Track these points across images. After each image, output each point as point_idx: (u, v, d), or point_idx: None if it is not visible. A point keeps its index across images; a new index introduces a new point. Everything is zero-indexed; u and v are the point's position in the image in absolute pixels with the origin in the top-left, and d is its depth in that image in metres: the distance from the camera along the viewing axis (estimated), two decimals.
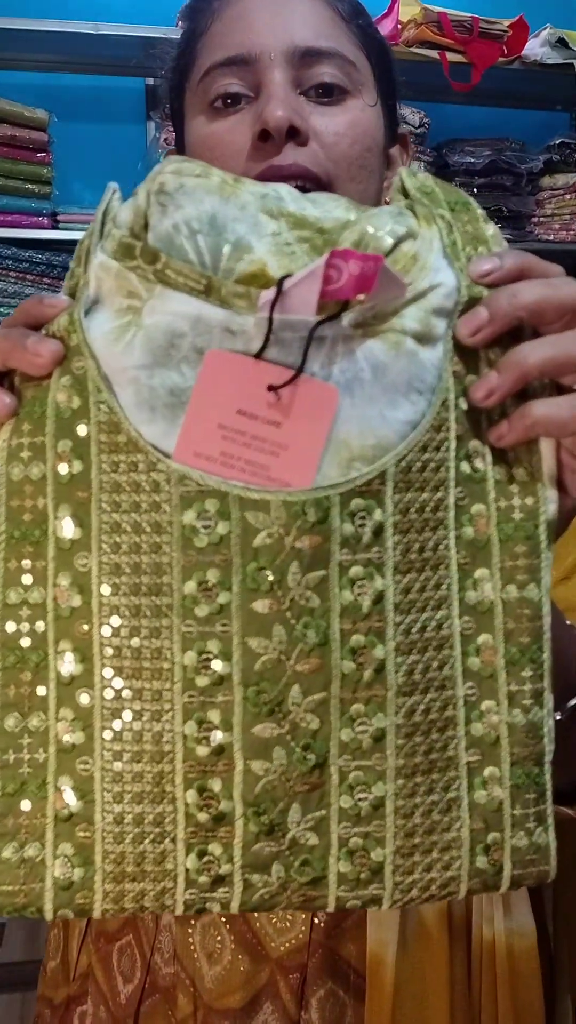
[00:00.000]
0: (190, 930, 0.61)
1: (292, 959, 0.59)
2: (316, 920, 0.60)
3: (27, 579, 0.39)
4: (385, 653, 0.38)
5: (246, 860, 0.39)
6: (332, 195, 0.43)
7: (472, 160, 2.50)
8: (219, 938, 0.60)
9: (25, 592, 0.39)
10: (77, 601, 0.39)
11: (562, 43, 2.46)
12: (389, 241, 0.39)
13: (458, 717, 0.40)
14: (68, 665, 0.38)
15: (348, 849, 0.39)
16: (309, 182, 0.58)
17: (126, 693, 0.38)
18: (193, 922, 0.61)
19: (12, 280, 2.36)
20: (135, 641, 0.38)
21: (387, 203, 0.54)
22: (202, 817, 0.38)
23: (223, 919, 0.61)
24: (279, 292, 0.37)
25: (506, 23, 2.43)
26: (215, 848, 0.39)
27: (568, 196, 2.62)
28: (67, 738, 0.39)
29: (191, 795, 0.38)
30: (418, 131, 2.49)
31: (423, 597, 0.39)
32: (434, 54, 2.37)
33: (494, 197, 2.54)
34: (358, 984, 0.59)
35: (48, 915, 0.39)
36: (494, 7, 2.51)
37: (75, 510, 0.39)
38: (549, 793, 0.41)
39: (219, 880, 0.39)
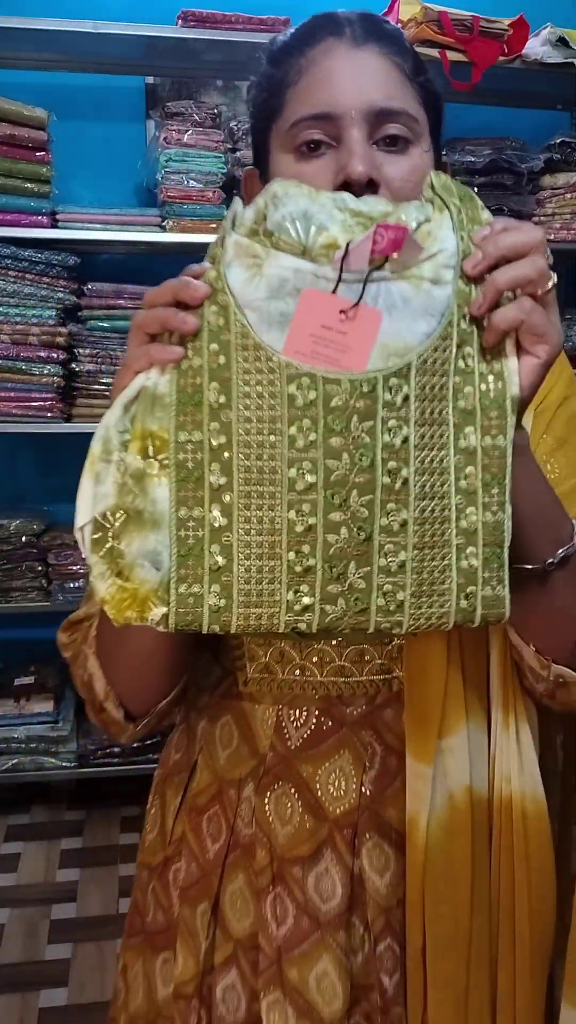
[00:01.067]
0: (266, 800, 0.79)
1: (346, 819, 0.78)
2: (364, 790, 0.78)
3: (191, 426, 0.63)
4: (408, 473, 0.63)
5: (322, 596, 0.63)
6: (378, 197, 0.66)
7: (473, 159, 2.50)
8: (289, 805, 0.79)
9: (189, 434, 0.63)
10: (223, 439, 0.63)
11: (563, 42, 2.46)
12: (413, 224, 0.62)
13: (451, 516, 0.64)
14: (216, 477, 0.63)
15: (383, 592, 0.63)
16: None
17: (253, 493, 0.63)
18: (268, 794, 0.79)
19: (11, 279, 2.36)
20: (258, 463, 0.63)
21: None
22: (297, 568, 0.63)
23: (293, 791, 0.79)
24: (346, 252, 0.61)
25: (507, 22, 2.43)
26: (304, 588, 0.63)
27: (569, 195, 2.62)
28: (216, 523, 0.63)
29: (291, 555, 0.63)
30: None
31: (432, 442, 0.63)
32: (434, 53, 2.37)
33: (495, 196, 2.54)
34: (399, 840, 0.77)
35: (204, 629, 0.63)
36: (495, 6, 2.50)
37: (221, 385, 0.63)
38: (506, 565, 0.64)
39: (305, 608, 0.63)
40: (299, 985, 0.76)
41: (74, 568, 2.53)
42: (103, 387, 2.43)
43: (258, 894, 0.77)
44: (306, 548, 0.63)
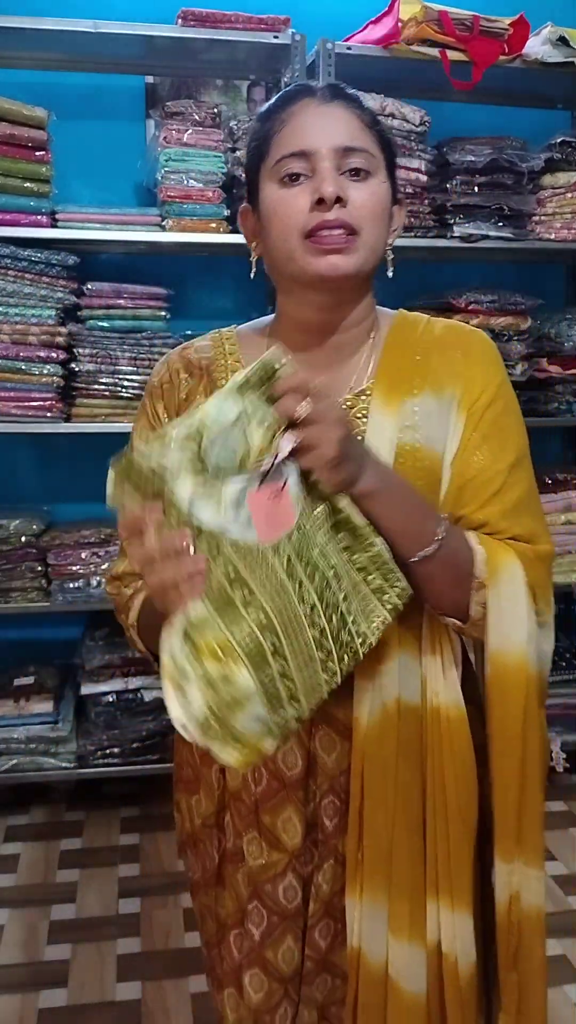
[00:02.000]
0: None
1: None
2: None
3: (237, 621, 0.86)
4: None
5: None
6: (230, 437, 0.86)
7: (473, 158, 2.49)
8: None
9: (240, 627, 0.86)
10: (263, 617, 0.86)
11: (563, 41, 2.46)
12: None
13: (351, 570, 0.93)
14: (269, 643, 0.87)
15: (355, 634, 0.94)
16: (347, 230, 0.96)
17: (294, 642, 0.89)
18: None
19: (11, 279, 2.36)
20: (285, 618, 0.88)
21: (390, 245, 1.03)
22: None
23: None
24: (271, 466, 0.86)
25: (507, 21, 2.42)
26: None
27: (569, 195, 2.61)
28: (282, 672, 0.88)
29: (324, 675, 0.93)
30: (419, 129, 2.48)
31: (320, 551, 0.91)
32: (435, 52, 2.37)
33: (495, 196, 2.53)
34: (344, 730, 1.04)
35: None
36: (495, 5, 2.50)
37: (241, 583, 0.86)
38: (395, 569, 0.93)
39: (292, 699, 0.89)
40: (270, 826, 1.07)
41: (74, 568, 2.53)
42: (103, 387, 2.43)
43: None
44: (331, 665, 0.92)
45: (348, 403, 1.03)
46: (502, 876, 1.01)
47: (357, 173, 0.97)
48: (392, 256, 1.04)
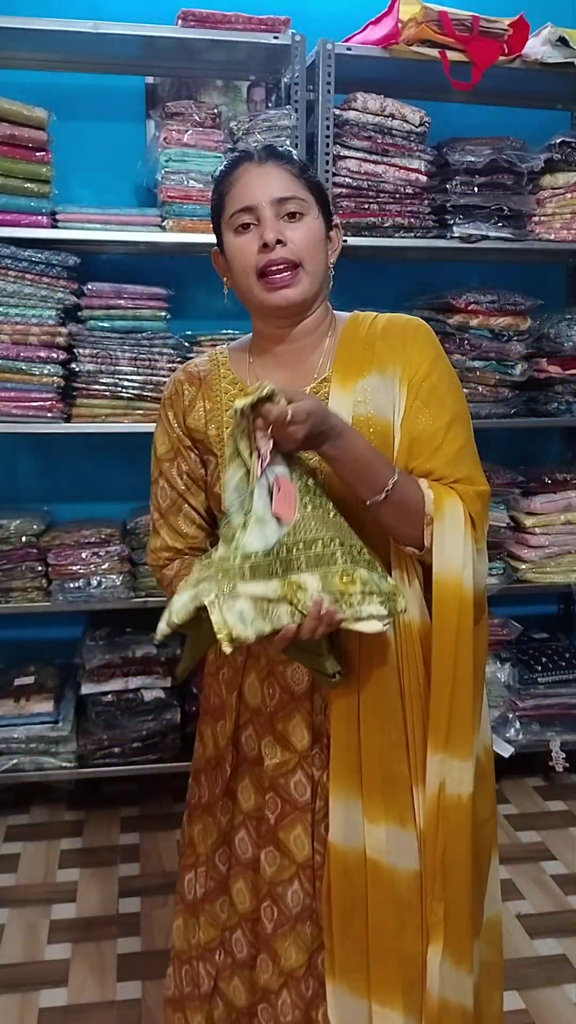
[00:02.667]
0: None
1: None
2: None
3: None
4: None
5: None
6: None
7: (473, 159, 2.49)
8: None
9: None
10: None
11: (563, 42, 2.46)
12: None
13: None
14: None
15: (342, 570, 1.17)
16: (289, 264, 1.23)
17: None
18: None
19: (11, 279, 2.36)
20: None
21: (332, 264, 1.31)
22: None
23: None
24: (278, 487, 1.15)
25: (507, 22, 2.42)
26: None
27: (569, 195, 2.61)
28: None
29: None
30: (418, 130, 2.49)
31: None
32: (434, 53, 2.37)
33: (495, 196, 2.53)
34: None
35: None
36: (495, 6, 2.50)
37: None
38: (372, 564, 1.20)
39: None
40: (283, 732, 1.33)
41: (74, 568, 2.53)
42: (103, 387, 2.43)
43: (260, 681, 1.35)
44: None
45: (313, 389, 1.30)
46: (432, 766, 1.24)
47: (293, 216, 1.25)
48: (333, 273, 1.33)
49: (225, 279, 1.33)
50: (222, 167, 1.33)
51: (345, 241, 2.14)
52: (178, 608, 1.10)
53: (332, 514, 1.17)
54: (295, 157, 1.30)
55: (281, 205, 1.24)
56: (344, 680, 1.25)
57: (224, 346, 1.41)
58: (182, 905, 1.46)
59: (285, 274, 1.23)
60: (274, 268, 1.23)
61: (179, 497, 1.37)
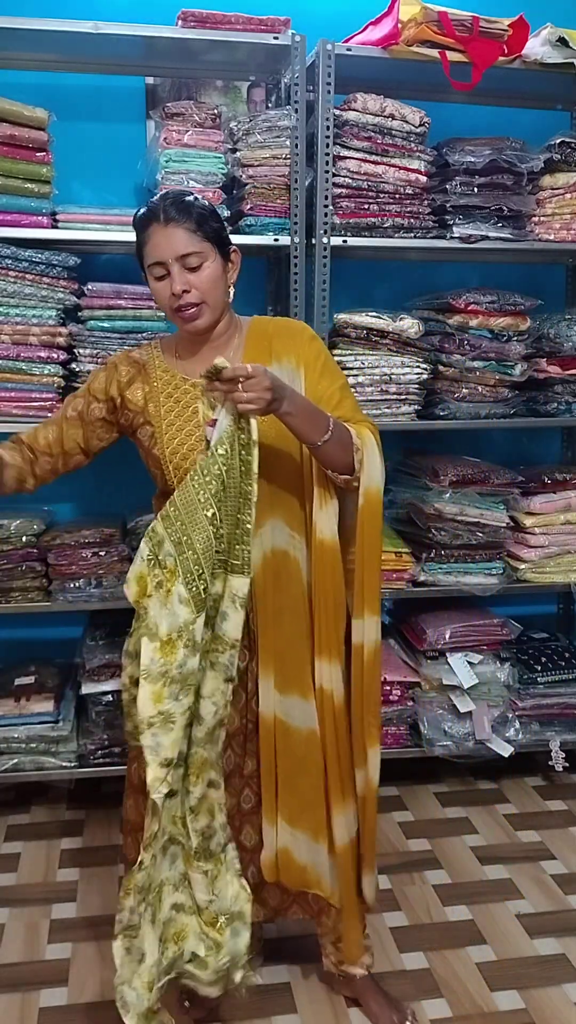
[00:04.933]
0: None
1: None
2: None
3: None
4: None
5: None
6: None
7: (472, 159, 2.49)
8: None
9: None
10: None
11: (562, 42, 2.46)
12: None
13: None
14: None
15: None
16: (195, 303, 1.63)
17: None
18: None
19: (12, 279, 2.36)
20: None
21: (232, 284, 1.73)
22: None
23: None
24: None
25: (506, 22, 2.43)
26: None
27: (569, 195, 2.62)
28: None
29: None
30: (418, 130, 2.49)
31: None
32: (434, 53, 2.37)
33: (494, 196, 2.54)
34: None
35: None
36: (495, 6, 2.51)
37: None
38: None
39: None
40: None
41: (74, 568, 2.53)
42: None
43: None
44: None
45: None
46: (356, 629, 1.75)
47: (194, 268, 1.62)
48: (233, 291, 1.72)
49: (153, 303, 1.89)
50: (138, 218, 1.67)
51: (344, 242, 2.45)
52: None
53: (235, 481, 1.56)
54: (193, 214, 1.62)
55: (184, 259, 1.61)
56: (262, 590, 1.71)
57: (156, 341, 1.84)
58: (131, 788, 1.83)
59: (192, 310, 1.64)
60: (183, 306, 1.63)
61: (63, 418, 1.80)
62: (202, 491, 1.50)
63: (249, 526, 1.57)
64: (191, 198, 1.66)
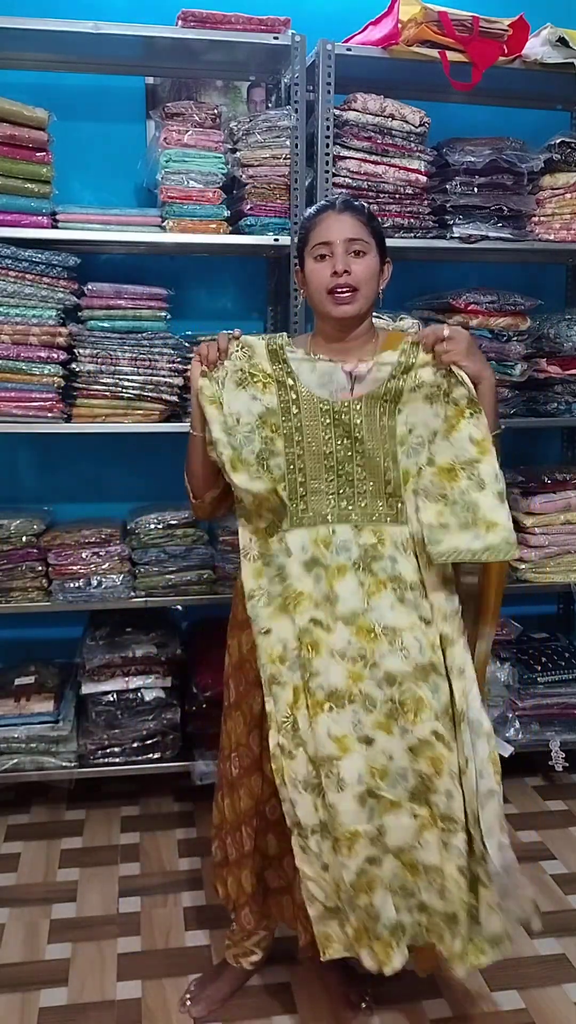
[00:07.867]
0: None
1: None
2: None
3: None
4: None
5: None
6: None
7: (472, 159, 2.49)
8: None
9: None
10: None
11: (562, 42, 2.46)
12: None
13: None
14: None
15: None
16: (350, 288, 1.67)
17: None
18: None
19: (12, 279, 2.36)
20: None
21: (382, 291, 1.77)
22: None
23: None
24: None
25: (506, 22, 2.43)
26: None
27: (569, 195, 2.62)
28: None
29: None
30: (418, 130, 2.49)
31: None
32: (434, 53, 2.37)
33: (494, 196, 2.53)
34: None
35: None
36: (495, 6, 2.51)
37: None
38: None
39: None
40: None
41: (74, 568, 2.53)
42: (103, 387, 2.43)
43: None
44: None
45: None
46: (483, 637, 1.84)
47: (358, 253, 1.69)
48: (383, 297, 1.77)
49: (301, 291, 1.80)
50: (310, 212, 1.77)
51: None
52: None
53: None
54: (365, 211, 1.73)
55: (350, 244, 1.68)
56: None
57: (283, 334, 1.81)
58: (225, 784, 1.85)
59: (347, 294, 1.67)
60: (340, 289, 1.67)
61: None
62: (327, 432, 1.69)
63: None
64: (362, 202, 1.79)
